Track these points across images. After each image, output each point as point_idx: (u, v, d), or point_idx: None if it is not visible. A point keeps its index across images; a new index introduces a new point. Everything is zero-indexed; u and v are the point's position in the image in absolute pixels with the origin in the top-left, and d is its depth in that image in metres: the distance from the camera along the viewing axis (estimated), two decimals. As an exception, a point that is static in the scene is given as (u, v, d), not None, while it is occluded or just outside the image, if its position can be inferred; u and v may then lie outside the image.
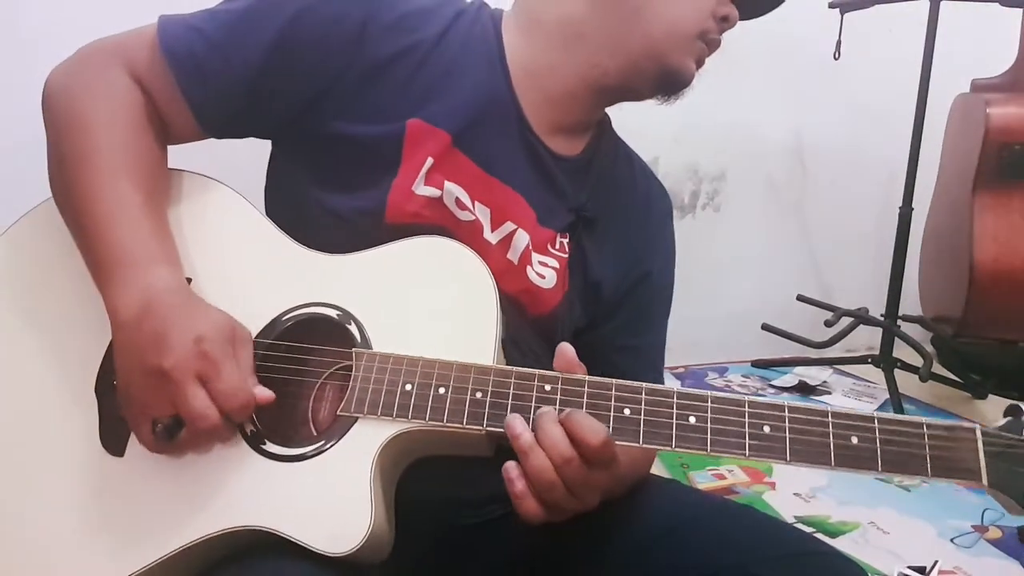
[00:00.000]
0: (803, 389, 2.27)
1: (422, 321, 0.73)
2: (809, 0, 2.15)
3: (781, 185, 2.50)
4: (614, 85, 0.84)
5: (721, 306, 2.36)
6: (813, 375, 2.34)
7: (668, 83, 0.84)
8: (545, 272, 0.83)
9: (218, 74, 0.77)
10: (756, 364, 2.45)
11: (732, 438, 0.66)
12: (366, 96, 0.79)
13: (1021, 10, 2.01)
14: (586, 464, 0.64)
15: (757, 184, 2.48)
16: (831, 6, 2.09)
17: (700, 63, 0.83)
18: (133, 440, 0.71)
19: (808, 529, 1.50)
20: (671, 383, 2.23)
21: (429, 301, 0.74)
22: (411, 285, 0.74)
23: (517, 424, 0.65)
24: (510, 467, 0.65)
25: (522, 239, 0.82)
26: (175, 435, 0.67)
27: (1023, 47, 2.06)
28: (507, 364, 0.71)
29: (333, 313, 0.74)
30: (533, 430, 0.65)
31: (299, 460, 0.69)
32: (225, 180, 0.82)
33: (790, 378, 2.33)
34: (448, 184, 0.79)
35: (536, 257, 0.83)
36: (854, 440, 0.65)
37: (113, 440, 0.72)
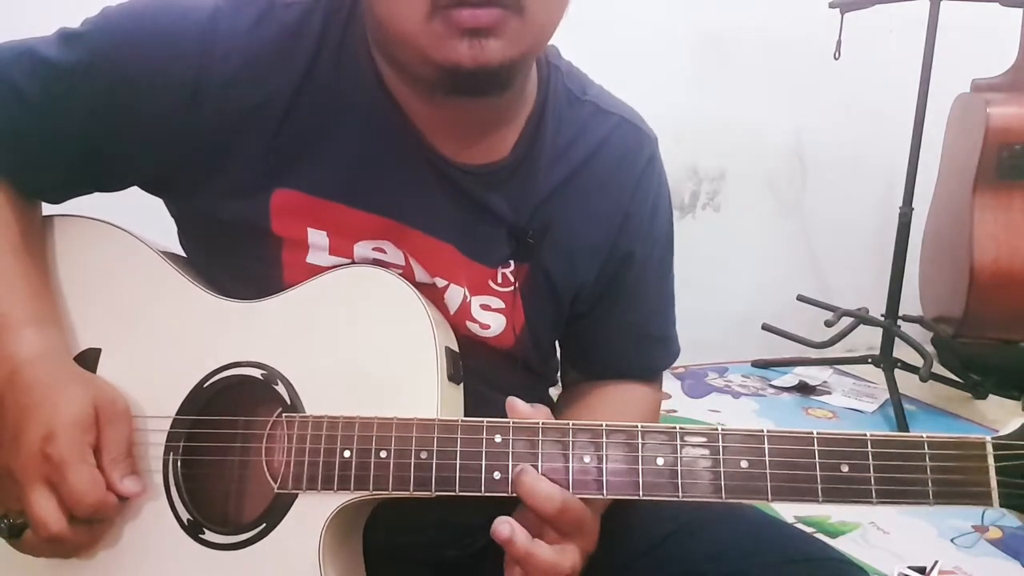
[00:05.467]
0: (803, 389, 2.27)
1: (354, 370, 0.66)
2: (809, 0, 2.16)
3: (781, 185, 2.50)
4: (429, 79, 0.65)
5: (721, 306, 2.36)
6: (813, 375, 2.34)
7: (446, 79, 0.63)
8: (489, 319, 0.75)
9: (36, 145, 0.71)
10: (756, 364, 2.45)
11: (705, 480, 0.61)
12: (218, 170, 0.70)
13: (1021, 10, 2.01)
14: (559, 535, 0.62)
15: (757, 184, 2.48)
16: (831, 6, 2.09)
17: (472, 33, 0.59)
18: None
19: (808, 529, 1.50)
20: (671, 384, 2.25)
21: (359, 345, 0.67)
22: (337, 327, 0.68)
23: (504, 530, 0.61)
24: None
25: (456, 293, 0.73)
26: (20, 535, 0.64)
27: (1023, 47, 2.06)
28: (467, 397, 0.67)
29: (257, 373, 0.68)
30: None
31: (241, 547, 0.65)
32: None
33: (790, 378, 2.34)
34: (359, 247, 0.72)
35: (477, 301, 0.74)
36: (844, 469, 0.59)
37: None
